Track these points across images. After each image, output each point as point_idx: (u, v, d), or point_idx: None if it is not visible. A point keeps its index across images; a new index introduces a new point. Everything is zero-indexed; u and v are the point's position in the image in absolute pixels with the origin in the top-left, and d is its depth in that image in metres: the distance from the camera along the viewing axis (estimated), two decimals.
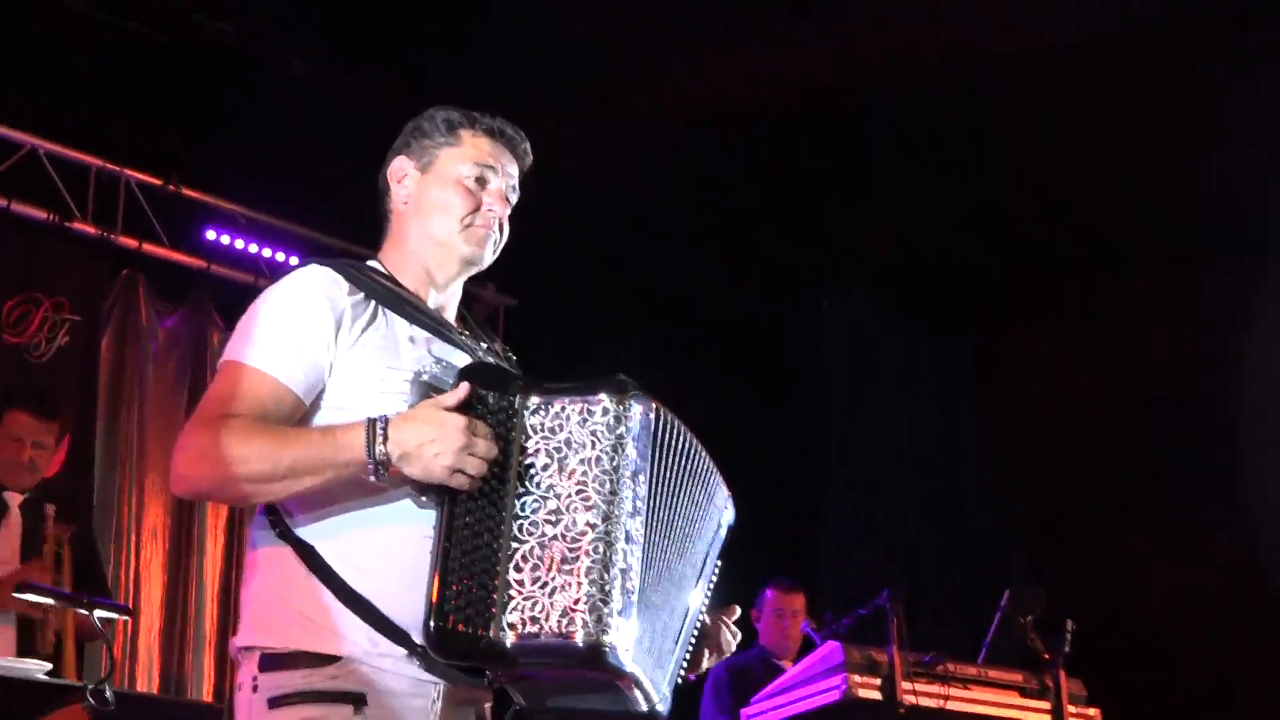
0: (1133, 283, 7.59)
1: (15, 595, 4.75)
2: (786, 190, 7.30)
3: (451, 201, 2.68)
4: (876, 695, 5.22)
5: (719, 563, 2.76)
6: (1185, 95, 6.51)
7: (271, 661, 2.46)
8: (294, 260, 6.84)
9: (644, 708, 2.49)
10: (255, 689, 2.46)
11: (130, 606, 6.14)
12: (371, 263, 2.71)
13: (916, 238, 7.60)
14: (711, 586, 2.74)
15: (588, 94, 6.49)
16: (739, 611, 2.78)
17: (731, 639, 2.79)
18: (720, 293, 7.80)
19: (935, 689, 5.33)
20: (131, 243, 6.61)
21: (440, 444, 2.39)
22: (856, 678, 5.20)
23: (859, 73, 6.49)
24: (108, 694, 4.14)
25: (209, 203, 6.84)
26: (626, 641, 2.39)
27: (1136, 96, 6.59)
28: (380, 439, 2.39)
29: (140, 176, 6.62)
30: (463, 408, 2.44)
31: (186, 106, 6.41)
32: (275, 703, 2.42)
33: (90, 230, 6.48)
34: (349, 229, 6.64)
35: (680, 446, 2.57)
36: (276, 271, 6.87)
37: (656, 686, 2.51)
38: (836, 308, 8.17)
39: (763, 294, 7.90)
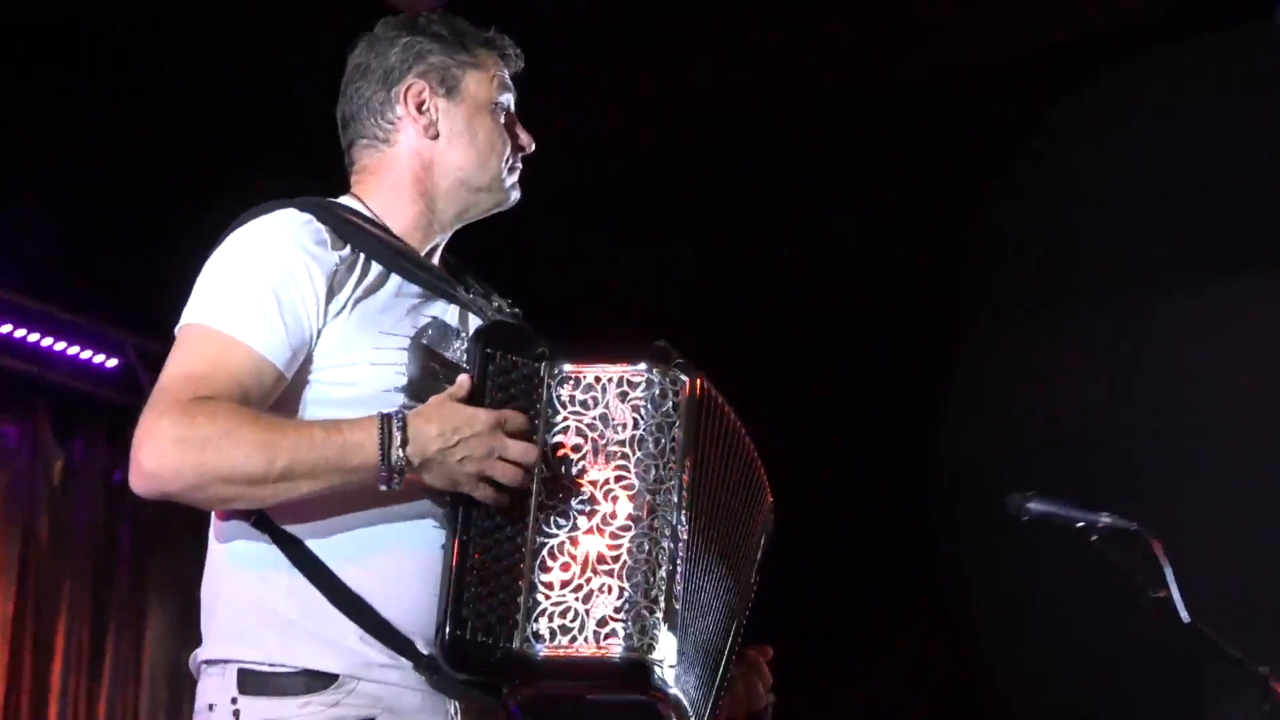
0: None
1: None
2: None
3: (496, 141, 2.42)
4: None
5: (757, 578, 2.45)
6: None
7: (255, 682, 2.15)
8: (34, 337, 6.41)
9: None
10: (236, 715, 2.14)
11: None
12: (345, 200, 2.40)
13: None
14: (750, 605, 2.43)
15: None
16: (771, 652, 2.51)
17: (764, 688, 2.48)
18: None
19: None
20: None
21: (468, 447, 2.09)
22: None
23: None
24: None
25: None
26: (671, 658, 2.15)
27: None
28: (398, 441, 2.08)
29: None
30: (477, 396, 2.14)
31: None
32: None
33: None
34: (93, 299, 6.44)
35: (727, 429, 2.33)
36: (12, 349, 6.24)
37: (698, 715, 2.25)
38: None
39: None
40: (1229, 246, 6.29)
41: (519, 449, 2.12)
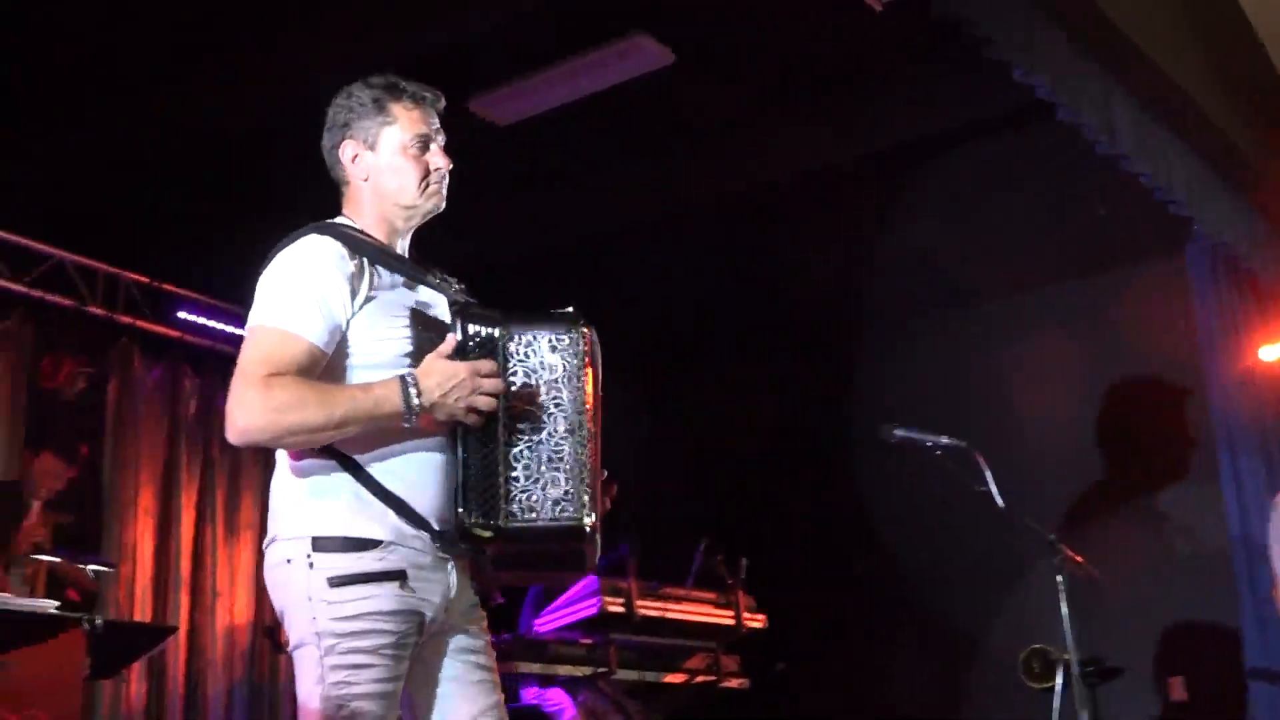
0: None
1: (32, 556, 5.86)
2: None
3: (407, 172, 2.76)
4: (621, 609, 6.33)
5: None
6: None
7: (325, 543, 2.54)
8: (237, 330, 7.58)
9: (594, 564, 2.71)
10: (311, 565, 2.54)
11: (114, 562, 7.09)
12: (341, 219, 2.78)
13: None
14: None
15: None
16: (615, 487, 3.08)
17: (611, 498, 3.09)
18: None
19: (658, 604, 6.52)
20: (128, 320, 7.82)
21: (458, 390, 2.52)
22: (607, 598, 6.29)
23: None
24: (99, 622, 4.84)
25: (181, 293, 8.01)
26: (595, 519, 2.59)
27: None
28: (415, 394, 2.51)
29: (134, 276, 7.89)
30: (458, 351, 2.56)
31: (171, 225, 7.28)
32: (335, 582, 2.52)
33: (100, 312, 7.70)
34: (214, 286, 7.96)
35: (596, 357, 2.72)
36: (230, 340, 7.77)
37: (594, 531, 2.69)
38: None
39: None
40: (1031, 271, 8.06)
41: (490, 384, 2.54)
